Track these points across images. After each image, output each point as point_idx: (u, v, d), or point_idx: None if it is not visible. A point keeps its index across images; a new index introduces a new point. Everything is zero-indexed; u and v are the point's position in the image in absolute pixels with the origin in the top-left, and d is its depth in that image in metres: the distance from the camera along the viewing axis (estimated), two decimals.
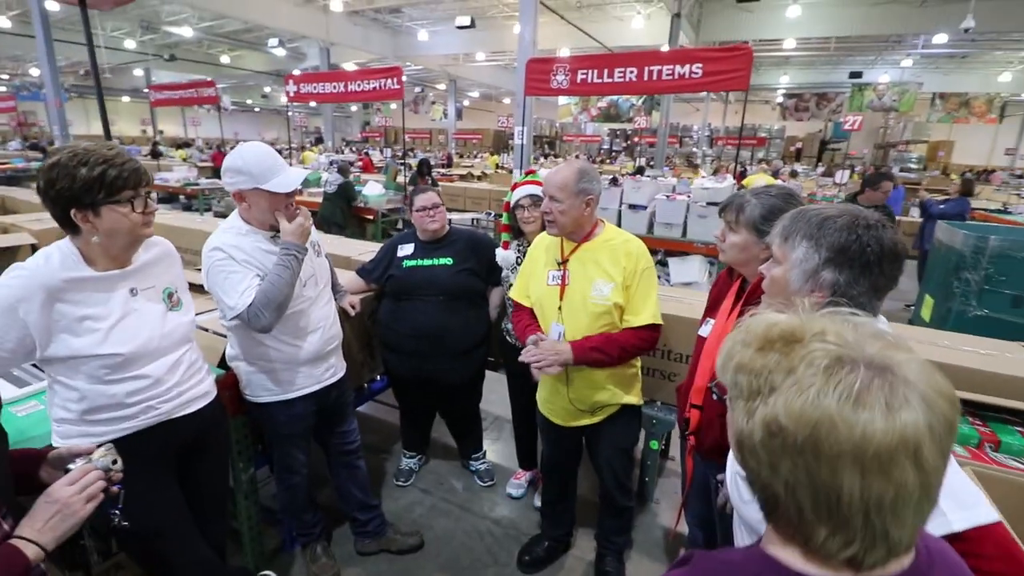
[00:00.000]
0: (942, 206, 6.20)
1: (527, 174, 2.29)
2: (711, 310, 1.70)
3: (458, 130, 22.19)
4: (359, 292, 2.42)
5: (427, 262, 2.32)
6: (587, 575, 2.15)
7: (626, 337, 1.74)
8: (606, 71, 5.20)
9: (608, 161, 19.36)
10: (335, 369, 1.95)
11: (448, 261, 2.32)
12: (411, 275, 2.30)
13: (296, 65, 17.72)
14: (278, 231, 1.69)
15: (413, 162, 13.70)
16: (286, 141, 24.82)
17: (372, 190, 6.37)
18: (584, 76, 5.30)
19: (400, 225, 6.62)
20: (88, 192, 1.17)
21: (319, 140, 20.57)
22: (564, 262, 1.79)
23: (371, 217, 6.28)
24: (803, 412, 0.52)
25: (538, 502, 2.52)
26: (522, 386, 2.48)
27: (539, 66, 5.53)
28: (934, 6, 11.56)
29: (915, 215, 8.09)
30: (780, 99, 20.95)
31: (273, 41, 13.73)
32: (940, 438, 0.51)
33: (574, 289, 1.76)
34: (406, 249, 2.37)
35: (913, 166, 19.38)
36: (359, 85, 6.44)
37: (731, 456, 1.16)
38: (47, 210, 1.21)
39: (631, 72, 5.10)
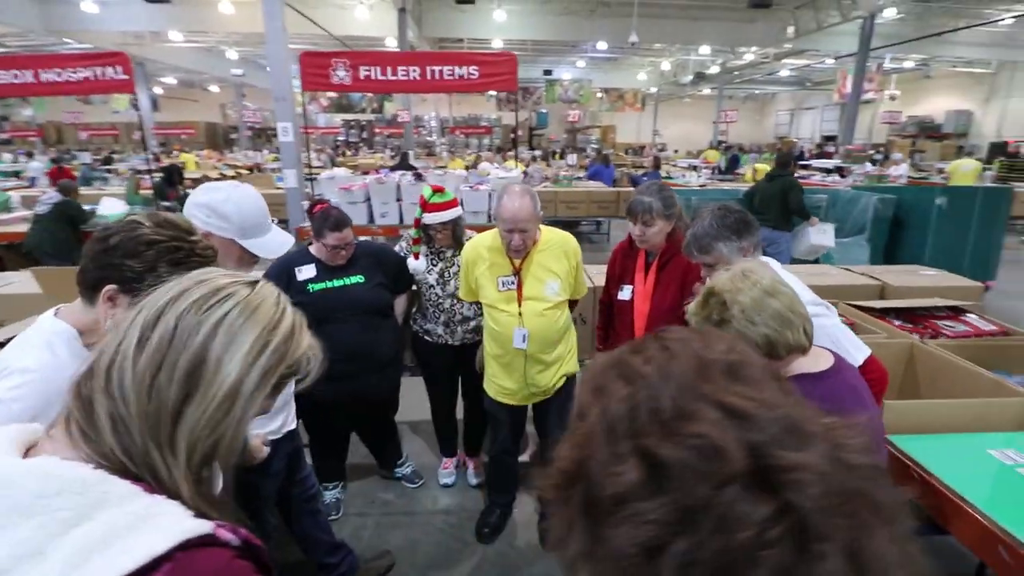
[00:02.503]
0: (645, 177, 8.29)
1: (436, 191, 2.35)
2: (621, 279, 2.21)
3: (158, 123, 18.27)
4: None
5: (337, 283, 2.23)
6: (533, 530, 2.42)
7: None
8: (389, 69, 5.28)
9: (350, 153, 18.84)
10: (292, 414, 1.79)
11: (359, 279, 2.27)
12: (322, 298, 2.18)
13: None
14: None
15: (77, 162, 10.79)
16: None
17: (111, 208, 4.97)
18: (368, 72, 5.26)
19: None
20: (137, 280, 0.93)
21: None
22: (518, 272, 2.03)
23: None
24: (746, 300, 1.12)
25: (472, 480, 2.73)
26: (436, 381, 2.64)
27: (317, 60, 5.22)
28: (599, 19, 14.82)
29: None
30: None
31: None
32: (779, 282, 1.16)
33: (529, 293, 2.03)
34: (306, 272, 2.22)
35: (594, 146, 24.69)
36: (61, 75, 4.89)
37: None
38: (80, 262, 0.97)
39: (414, 71, 5.30)
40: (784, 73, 20.96)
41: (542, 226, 2.13)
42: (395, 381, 2.48)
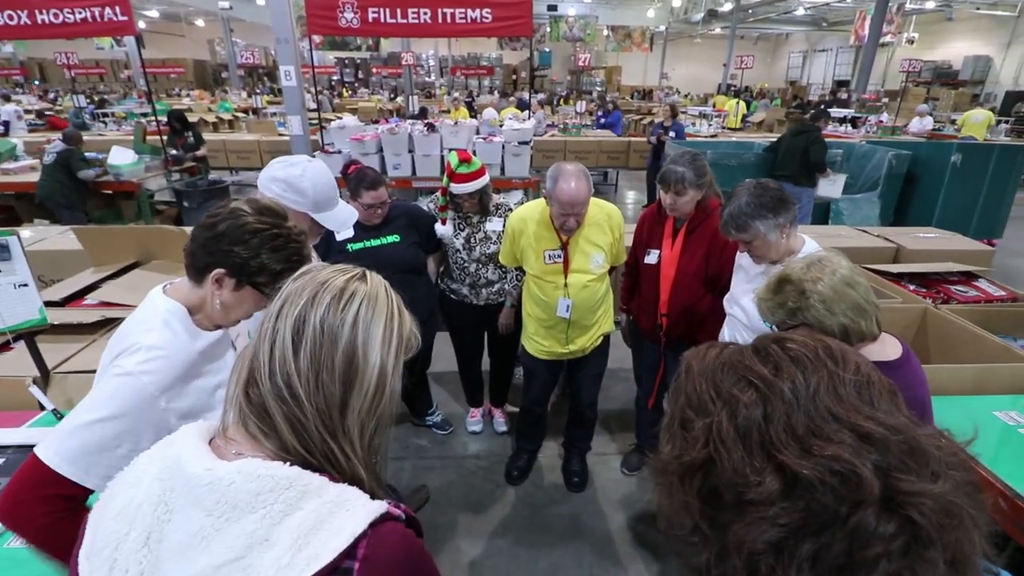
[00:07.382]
0: (662, 129, 8.06)
1: (463, 160, 2.32)
2: (648, 243, 2.27)
3: (144, 61, 17.46)
4: None
5: (375, 242, 2.30)
6: (557, 473, 2.64)
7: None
8: (399, 11, 5.07)
9: (348, 95, 18.23)
10: None
11: (395, 238, 2.33)
12: (361, 258, 2.25)
13: None
14: None
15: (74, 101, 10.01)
16: None
17: (121, 158, 4.89)
18: (376, 15, 5.06)
19: (172, 198, 5.33)
20: (256, 273, 1.00)
21: None
22: (565, 246, 2.07)
23: (131, 192, 4.93)
24: (826, 289, 1.16)
25: (499, 428, 2.92)
26: (462, 337, 2.76)
27: (323, 1, 5.01)
28: None
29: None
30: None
31: None
32: (855, 271, 1.21)
33: (576, 267, 2.09)
34: (345, 232, 2.27)
35: (598, 88, 23.86)
36: (58, 16, 4.68)
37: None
38: (188, 246, 1.00)
39: (425, 13, 5.10)
40: (800, 12, 20.04)
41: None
42: (431, 336, 2.59)
